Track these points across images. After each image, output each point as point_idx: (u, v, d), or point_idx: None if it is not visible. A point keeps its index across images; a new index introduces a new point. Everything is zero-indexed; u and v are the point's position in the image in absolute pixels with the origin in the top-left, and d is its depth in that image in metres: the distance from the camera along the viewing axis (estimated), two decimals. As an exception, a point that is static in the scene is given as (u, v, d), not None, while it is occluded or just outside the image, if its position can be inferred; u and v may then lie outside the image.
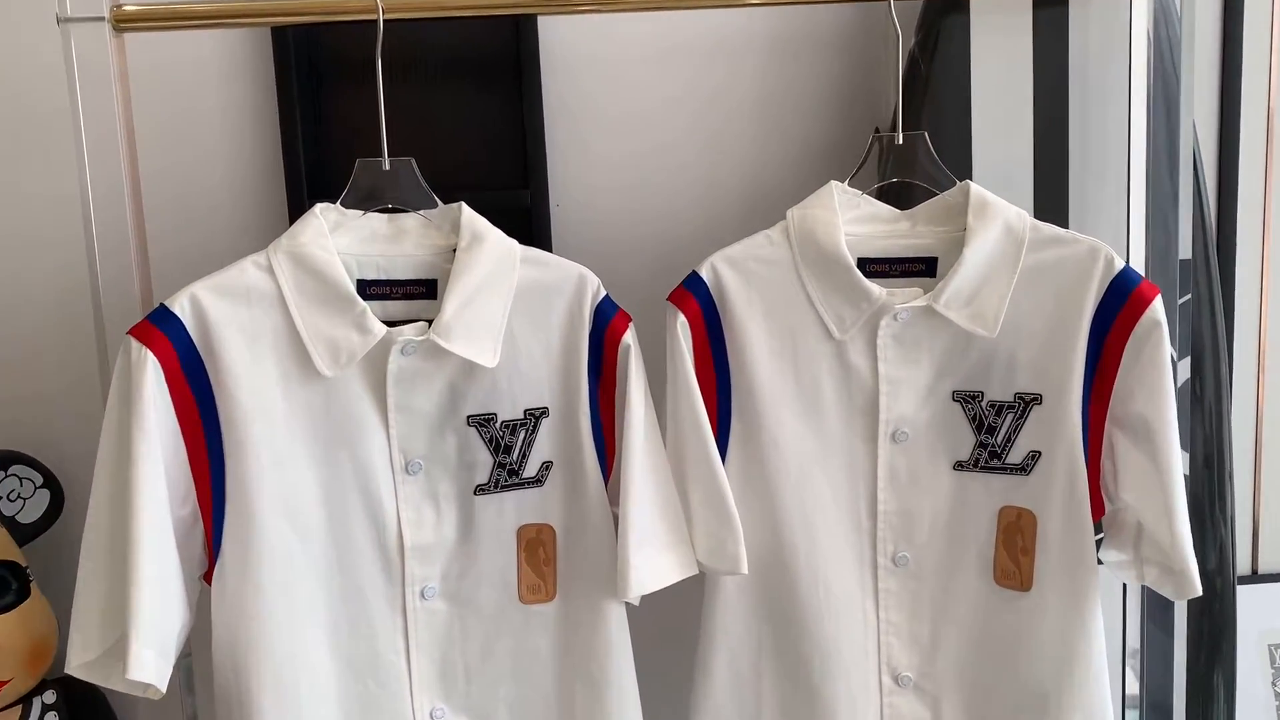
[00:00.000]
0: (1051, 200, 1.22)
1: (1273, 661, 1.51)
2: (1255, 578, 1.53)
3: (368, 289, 1.12)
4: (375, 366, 1.09)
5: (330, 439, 1.09)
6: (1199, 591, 1.08)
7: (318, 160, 1.23)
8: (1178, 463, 1.08)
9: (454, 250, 1.11)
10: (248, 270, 1.06)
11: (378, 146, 1.12)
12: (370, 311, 1.07)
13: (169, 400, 1.04)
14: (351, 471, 1.10)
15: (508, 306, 1.11)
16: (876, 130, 1.21)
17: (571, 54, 1.31)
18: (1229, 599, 1.37)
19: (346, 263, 1.10)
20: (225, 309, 1.05)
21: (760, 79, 1.34)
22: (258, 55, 1.29)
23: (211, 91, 1.30)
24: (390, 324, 1.10)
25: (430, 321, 1.08)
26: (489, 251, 1.11)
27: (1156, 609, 1.32)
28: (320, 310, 1.06)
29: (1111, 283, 1.08)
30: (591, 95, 1.32)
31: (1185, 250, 1.23)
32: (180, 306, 1.04)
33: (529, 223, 1.30)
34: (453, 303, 1.08)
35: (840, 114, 1.34)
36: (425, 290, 1.14)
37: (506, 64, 1.29)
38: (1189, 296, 1.25)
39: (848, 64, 1.34)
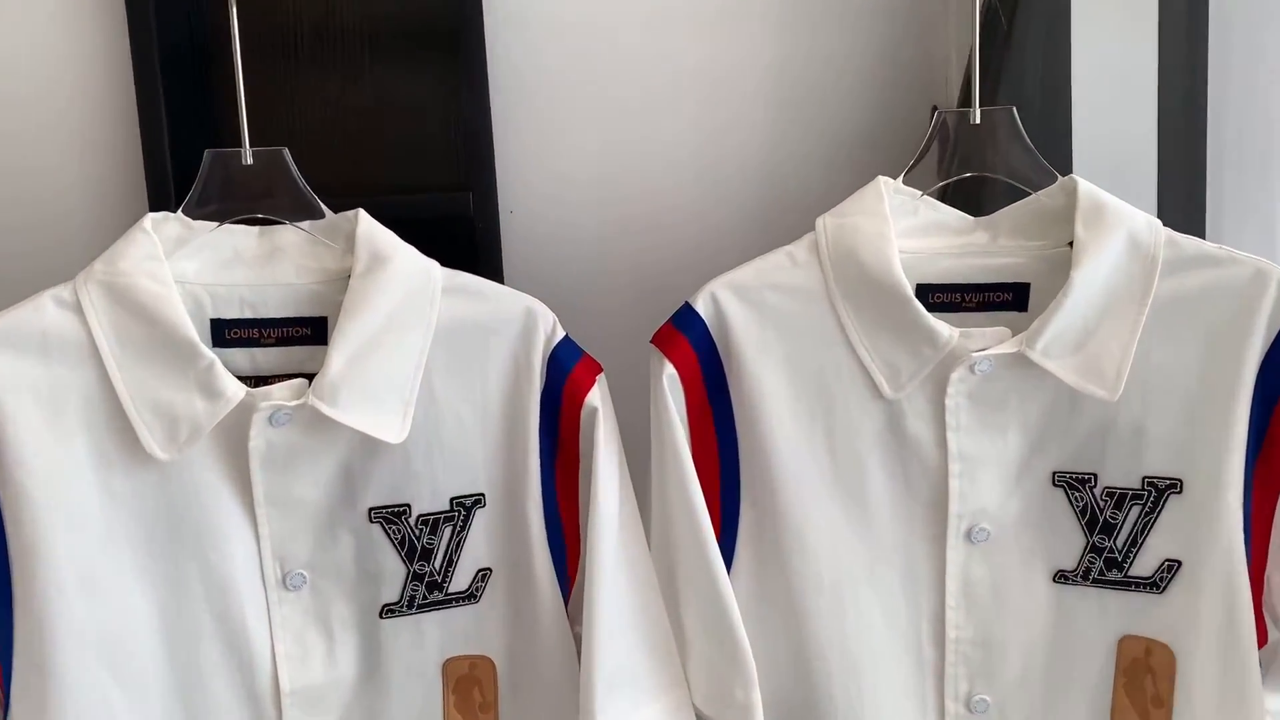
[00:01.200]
0: (1181, 201, 0.88)
1: None
2: None
3: (227, 332, 0.80)
4: (233, 443, 0.77)
5: (171, 546, 0.77)
6: None
7: (194, 157, 0.91)
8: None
9: (349, 277, 0.79)
10: (46, 309, 0.75)
11: (285, 136, 0.81)
12: (221, 367, 0.75)
13: None
14: (203, 590, 0.78)
15: (423, 355, 0.79)
16: (935, 108, 0.88)
17: (526, 17, 0.99)
18: None
19: (195, 296, 0.79)
20: (10, 364, 0.73)
21: (775, 49, 1.01)
22: (112, 27, 0.98)
23: (55, 71, 0.99)
24: (259, 381, 0.79)
25: (313, 377, 0.76)
26: (396, 278, 0.79)
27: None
28: (150, 366, 0.75)
29: (1289, 321, 0.75)
30: (553, 71, 1.00)
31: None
32: None
33: (472, 236, 0.98)
34: (343, 352, 0.76)
35: (881, 93, 1.02)
36: (310, 332, 0.82)
37: (440, 30, 0.98)
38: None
39: (891, 27, 1.01)
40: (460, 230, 0.98)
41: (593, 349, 0.86)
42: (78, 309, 0.75)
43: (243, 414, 0.76)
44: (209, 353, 0.75)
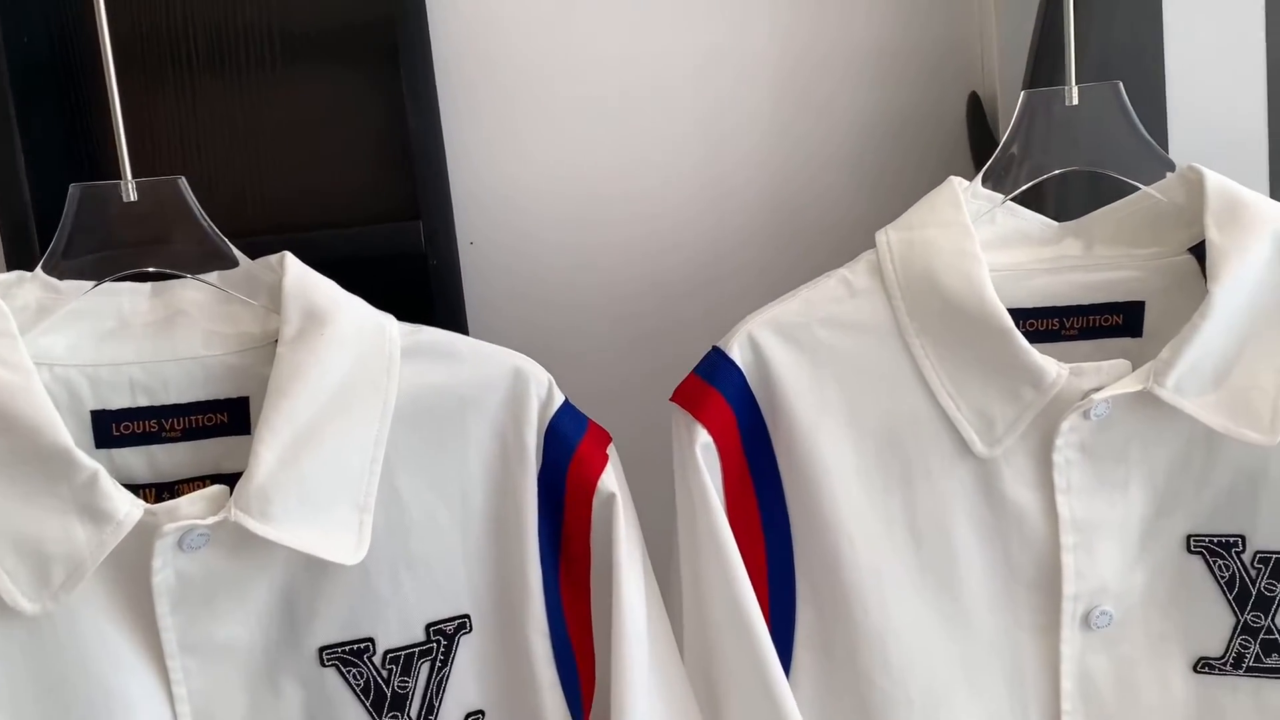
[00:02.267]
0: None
1: None
2: None
3: (114, 428, 0.60)
4: (131, 578, 0.57)
5: (49, 717, 0.56)
6: None
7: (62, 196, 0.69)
8: None
9: (277, 343, 0.59)
10: None
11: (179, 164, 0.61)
12: (107, 478, 0.54)
13: None
14: (98, 778, 0.57)
15: (381, 443, 0.60)
16: (974, 95, 0.71)
17: (478, 13, 0.80)
18: None
19: (67, 383, 0.59)
20: None
21: (784, 36, 0.84)
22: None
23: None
24: (162, 491, 0.59)
25: (235, 481, 0.56)
26: (339, 342, 0.59)
27: None
28: (6, 487, 0.54)
29: None
30: (515, 75, 0.81)
31: None
32: None
33: (426, 275, 0.79)
34: (273, 446, 0.57)
35: (902, 80, 0.85)
36: (228, 419, 0.62)
37: (375, 29, 0.78)
38: None
39: (909, 4, 0.84)
40: (411, 268, 0.79)
41: (593, 412, 0.67)
42: None
43: (142, 539, 0.56)
44: (89, 461, 0.54)
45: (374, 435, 0.60)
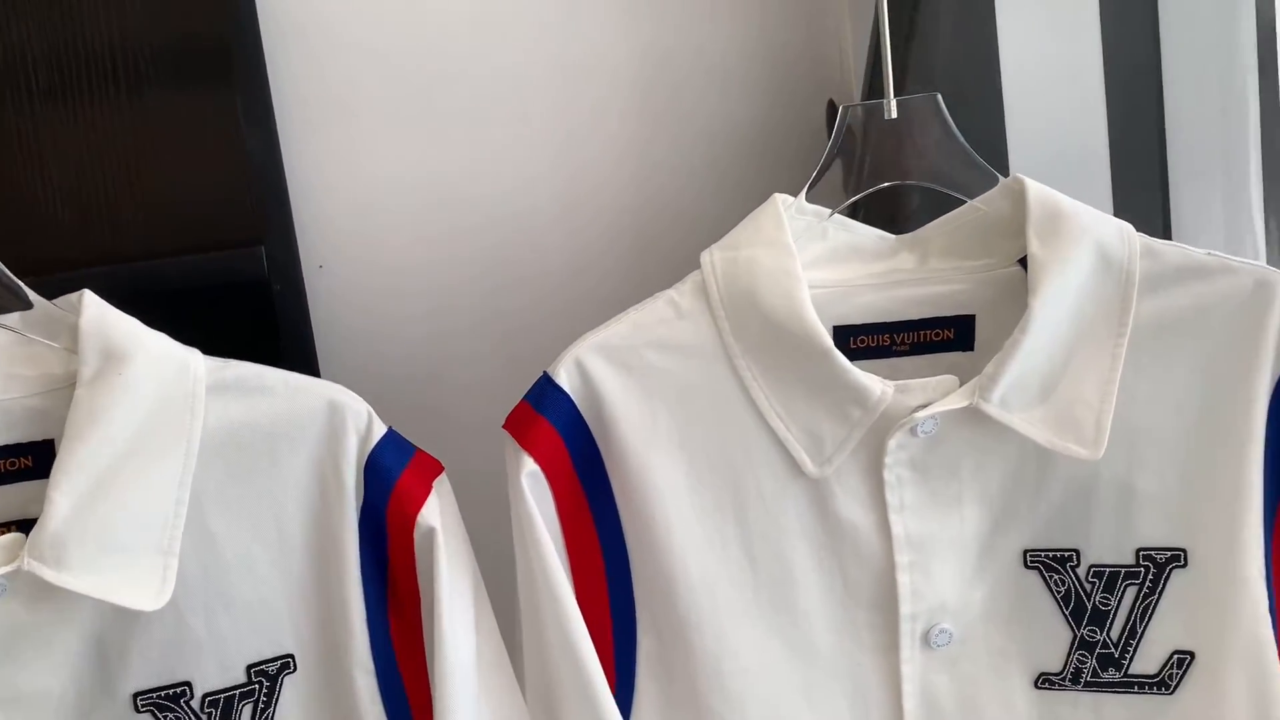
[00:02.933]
0: (1139, 200, 0.73)
1: None
2: None
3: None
4: None
5: None
6: None
7: None
8: None
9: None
10: None
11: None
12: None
13: None
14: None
15: (185, 484, 0.58)
16: (832, 103, 0.71)
17: (312, 27, 0.78)
18: None
19: None
20: None
21: (643, 45, 0.82)
22: None
23: None
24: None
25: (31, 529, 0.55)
26: (139, 381, 0.58)
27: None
28: None
29: (1305, 340, 0.60)
30: (359, 89, 0.79)
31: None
32: None
33: (270, 302, 0.77)
34: (68, 492, 0.55)
35: (767, 88, 0.84)
36: (32, 463, 0.60)
37: (207, 47, 0.76)
38: None
39: (774, 8, 0.83)
40: (254, 296, 0.77)
41: (442, 441, 0.66)
42: None
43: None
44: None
45: (177, 477, 0.58)
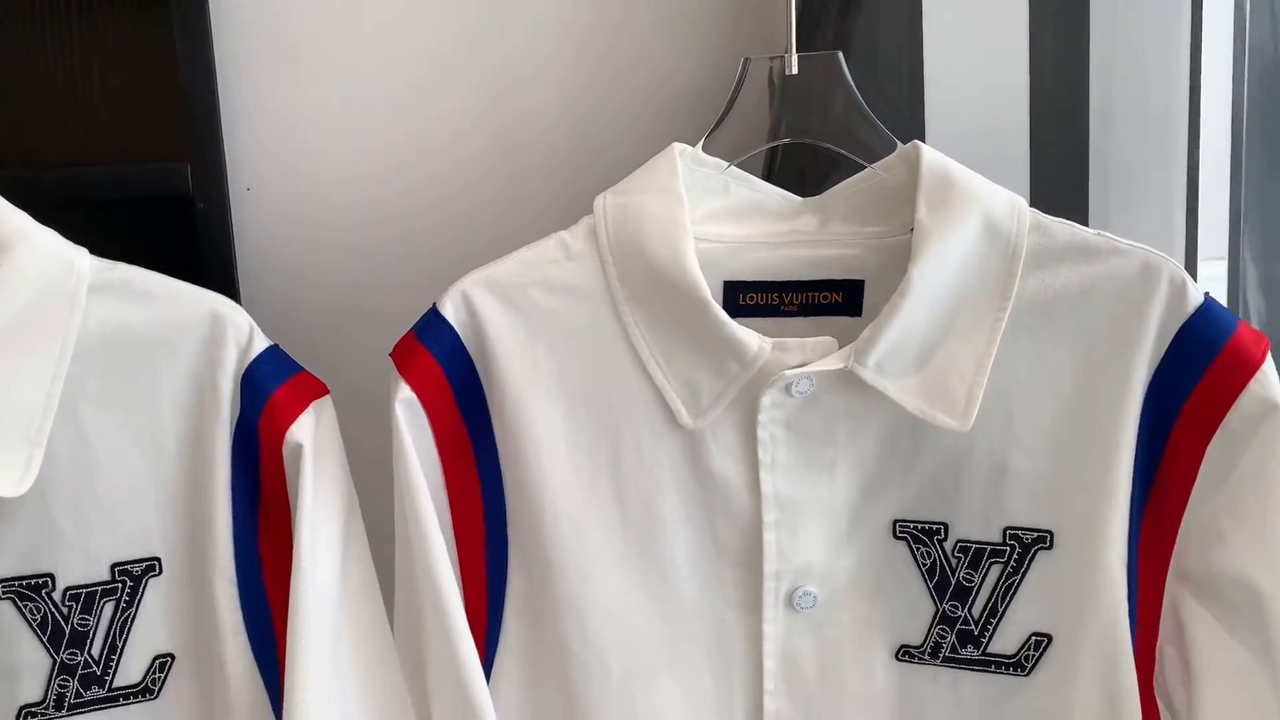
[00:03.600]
0: (1059, 183, 0.71)
1: None
2: None
3: None
4: None
5: None
6: None
7: None
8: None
9: (-35, 273, 0.59)
10: None
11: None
12: None
13: None
14: None
15: (59, 378, 0.59)
16: (747, 60, 0.69)
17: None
18: None
19: None
20: None
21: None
22: None
23: None
24: None
25: None
26: (21, 273, 0.59)
27: None
28: None
29: (1185, 328, 0.59)
30: (296, 21, 0.80)
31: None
32: None
33: (193, 219, 0.77)
34: (-60, 374, 0.56)
35: (714, 41, 0.83)
36: (-87, 348, 0.61)
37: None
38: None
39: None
40: (177, 212, 0.78)
41: (358, 371, 0.67)
42: None
43: None
44: None
45: (50, 371, 0.59)
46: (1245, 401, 0.57)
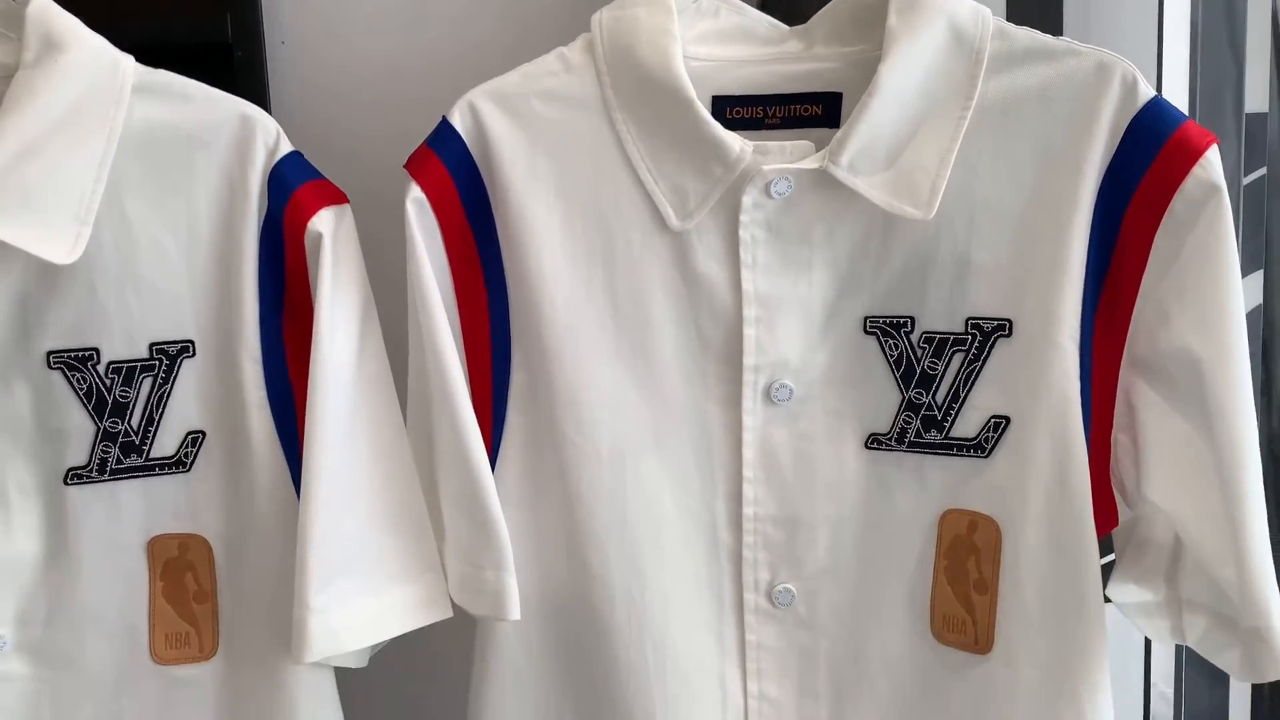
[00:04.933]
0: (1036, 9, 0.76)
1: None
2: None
3: None
4: None
5: None
6: (1290, 669, 0.61)
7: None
8: (1249, 437, 0.62)
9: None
10: None
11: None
12: None
13: None
14: None
15: (105, 165, 0.66)
16: None
17: None
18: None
19: None
20: None
21: None
22: None
23: None
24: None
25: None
26: (72, 69, 0.65)
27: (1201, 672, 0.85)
28: None
29: (1134, 122, 0.63)
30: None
31: (1257, 100, 0.76)
32: None
33: (231, 67, 0.84)
34: (1, 154, 0.62)
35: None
36: (-25, 137, 0.68)
37: None
38: (1261, 172, 0.77)
39: None
40: (217, 60, 0.85)
41: (377, 208, 0.72)
42: None
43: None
44: None
45: (98, 158, 0.65)
46: (1189, 185, 0.61)
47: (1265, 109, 0.78)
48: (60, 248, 0.64)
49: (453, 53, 0.89)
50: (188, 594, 0.71)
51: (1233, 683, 0.87)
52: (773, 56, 0.71)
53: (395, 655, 0.76)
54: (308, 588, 0.66)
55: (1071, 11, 0.75)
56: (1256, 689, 0.91)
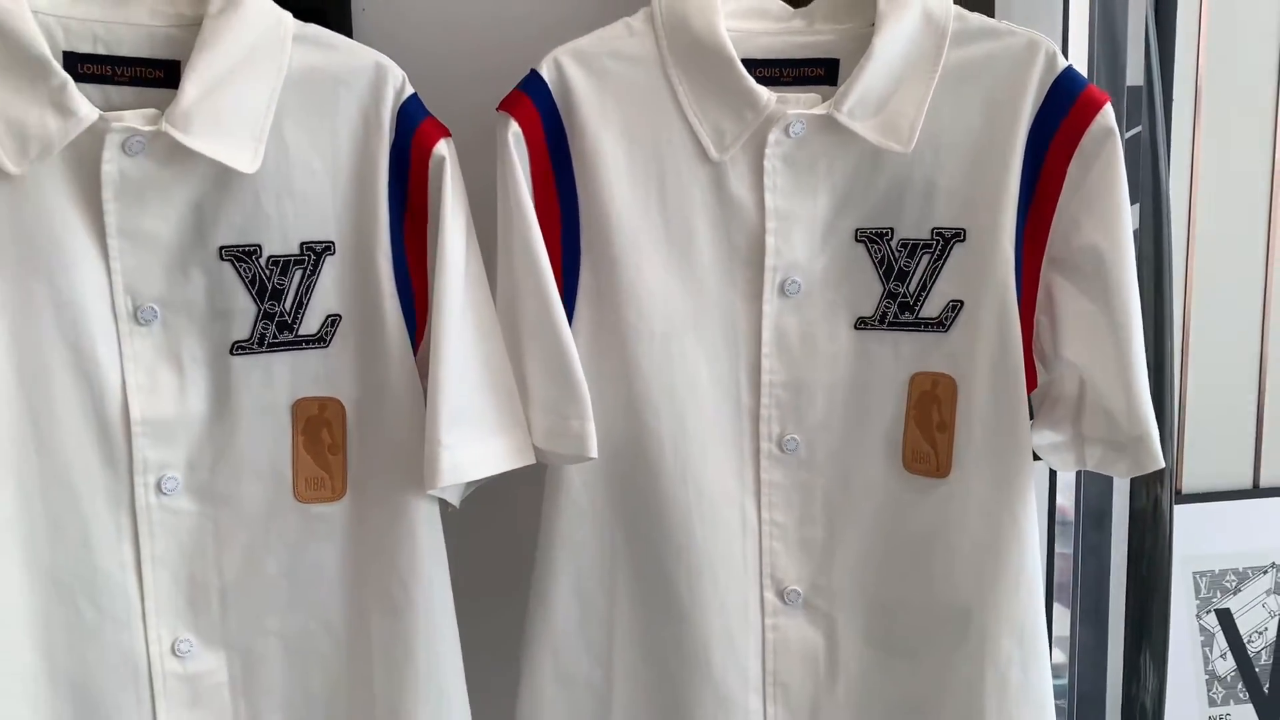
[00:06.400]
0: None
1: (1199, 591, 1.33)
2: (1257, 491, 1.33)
3: (80, 66, 0.82)
4: (87, 170, 0.79)
5: (20, 265, 0.79)
6: (1161, 463, 0.86)
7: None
8: (1135, 308, 0.86)
9: (202, 22, 0.82)
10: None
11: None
12: (74, 87, 0.77)
13: None
14: (53, 315, 0.80)
15: (274, 97, 0.83)
16: None
17: None
18: (1165, 522, 1.17)
19: (47, 27, 0.80)
20: None
21: None
22: None
23: None
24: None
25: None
26: (248, 20, 0.82)
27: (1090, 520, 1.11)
28: (2, 81, 0.76)
29: (1054, 84, 0.86)
30: None
31: (1135, 75, 1.02)
32: None
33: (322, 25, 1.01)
34: (196, 85, 0.79)
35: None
36: (163, 75, 0.84)
37: None
38: (1139, 129, 1.03)
39: None
40: (310, 21, 1.01)
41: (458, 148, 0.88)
42: None
43: (95, 140, 0.78)
44: (62, 72, 0.77)
45: (270, 91, 0.82)
46: (1094, 128, 0.85)
47: (1140, 82, 1.03)
48: (244, 159, 0.81)
49: (541, 18, 1.06)
50: (323, 446, 0.89)
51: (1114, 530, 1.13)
52: (783, 30, 0.93)
53: (479, 504, 0.95)
54: (439, 428, 0.84)
55: (1000, 7, 0.99)
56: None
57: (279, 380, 0.87)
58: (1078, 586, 1.08)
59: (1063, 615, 1.09)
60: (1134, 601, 1.13)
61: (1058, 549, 1.08)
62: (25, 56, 0.76)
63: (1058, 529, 1.07)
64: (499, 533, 1.03)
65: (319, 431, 0.88)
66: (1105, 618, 1.11)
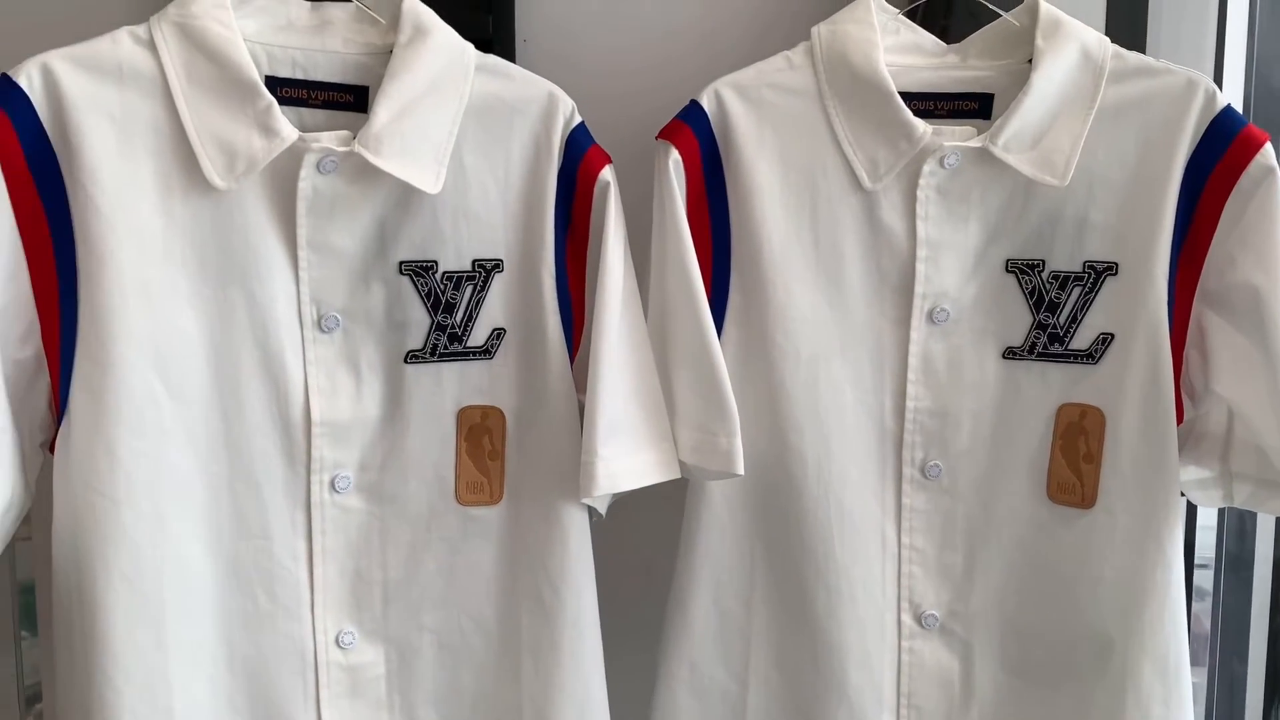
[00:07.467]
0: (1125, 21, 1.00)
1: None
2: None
3: (279, 90, 0.88)
4: (283, 186, 0.85)
5: (220, 273, 0.85)
6: (1317, 503, 0.86)
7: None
8: (1291, 343, 0.86)
9: (391, 51, 0.87)
10: (123, 43, 0.83)
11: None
12: (278, 109, 0.83)
13: (7, 203, 0.79)
14: (247, 319, 0.86)
15: (456, 123, 0.88)
16: None
17: None
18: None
19: (253, 52, 0.86)
20: (89, 87, 0.81)
21: None
22: None
23: None
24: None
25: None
26: (435, 51, 0.87)
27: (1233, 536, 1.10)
28: (214, 101, 0.83)
29: (1214, 121, 0.87)
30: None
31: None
32: (27, 78, 0.80)
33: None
34: (386, 109, 0.85)
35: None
36: (353, 99, 0.90)
37: None
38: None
39: None
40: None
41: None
42: (151, 46, 0.82)
43: (293, 158, 0.84)
44: (269, 95, 0.83)
45: (452, 117, 0.88)
46: (1253, 166, 0.86)
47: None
48: (428, 180, 0.86)
49: (692, 53, 1.09)
50: (484, 452, 0.93)
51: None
52: (939, 65, 0.95)
53: (625, 513, 0.99)
54: (596, 439, 0.88)
55: (1153, 43, 1.00)
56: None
57: (447, 389, 0.92)
58: (1217, 630, 1.07)
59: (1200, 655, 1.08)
60: (1275, 649, 1.12)
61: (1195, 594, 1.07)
62: (237, 80, 0.82)
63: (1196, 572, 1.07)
64: (642, 544, 1.07)
65: (481, 438, 0.93)
66: (1245, 662, 1.09)
